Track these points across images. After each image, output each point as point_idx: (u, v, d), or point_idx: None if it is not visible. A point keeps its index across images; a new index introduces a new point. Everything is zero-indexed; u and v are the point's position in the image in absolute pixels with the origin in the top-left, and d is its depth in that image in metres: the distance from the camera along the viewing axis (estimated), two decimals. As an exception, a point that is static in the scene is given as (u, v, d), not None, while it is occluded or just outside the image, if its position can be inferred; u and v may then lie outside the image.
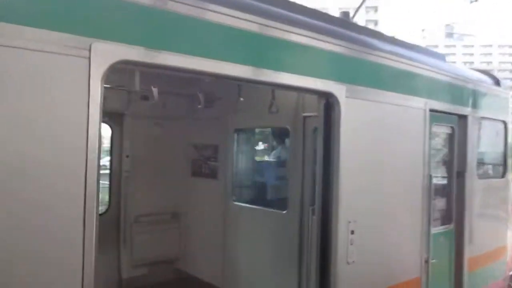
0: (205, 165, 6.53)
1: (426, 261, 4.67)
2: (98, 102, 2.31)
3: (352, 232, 3.77)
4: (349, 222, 3.74)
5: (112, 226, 6.38)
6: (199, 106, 5.28)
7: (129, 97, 6.25)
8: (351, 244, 3.75)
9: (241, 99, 4.74)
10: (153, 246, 6.55)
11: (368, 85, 3.95)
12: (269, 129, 6.46)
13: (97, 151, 2.31)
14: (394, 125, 4.26)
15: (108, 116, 6.37)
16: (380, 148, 4.10)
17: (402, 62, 4.31)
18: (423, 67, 4.61)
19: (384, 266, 4.17)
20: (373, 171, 4.02)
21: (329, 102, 3.67)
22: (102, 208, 6.82)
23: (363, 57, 3.94)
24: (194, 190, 6.73)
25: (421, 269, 4.61)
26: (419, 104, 4.56)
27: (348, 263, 3.74)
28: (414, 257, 4.56)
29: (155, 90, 3.96)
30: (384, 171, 4.16)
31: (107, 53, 2.34)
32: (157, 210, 6.64)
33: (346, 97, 3.69)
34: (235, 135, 6.14)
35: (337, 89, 3.63)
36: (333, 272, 3.64)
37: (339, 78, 3.67)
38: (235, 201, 6.04)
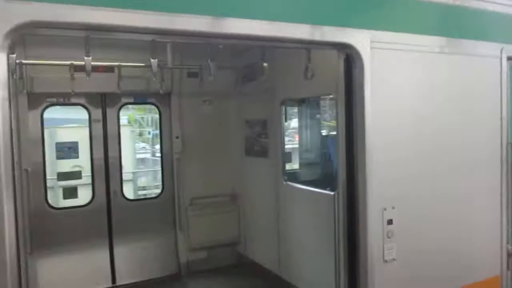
0: (257, 142, 6.02)
1: (510, 255, 3.60)
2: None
3: (390, 222, 2.95)
4: (384, 209, 2.93)
5: (166, 209, 6.25)
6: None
7: (174, 75, 5.96)
8: (389, 237, 2.94)
9: (265, 64, 4.07)
10: (211, 229, 6.32)
11: (407, 30, 3.00)
12: (319, 100, 5.65)
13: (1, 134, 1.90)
14: (449, 80, 3.23)
15: (155, 96, 6.17)
16: (429, 110, 3.14)
17: None
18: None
19: (441, 264, 3.24)
20: (419, 141, 3.09)
21: (348, 56, 2.85)
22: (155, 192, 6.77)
23: None
24: (249, 170, 6.29)
25: (502, 265, 3.56)
26: (491, 51, 3.42)
27: (385, 261, 2.95)
28: (491, 251, 3.53)
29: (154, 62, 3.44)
30: (437, 140, 3.18)
31: (8, 12, 1.89)
32: (213, 192, 6.38)
33: (372, 48, 2.83)
34: (282, 108, 5.47)
35: (358, 39, 2.79)
36: (362, 273, 2.88)
37: (357, 23, 2.82)
38: (286, 180, 5.43)
